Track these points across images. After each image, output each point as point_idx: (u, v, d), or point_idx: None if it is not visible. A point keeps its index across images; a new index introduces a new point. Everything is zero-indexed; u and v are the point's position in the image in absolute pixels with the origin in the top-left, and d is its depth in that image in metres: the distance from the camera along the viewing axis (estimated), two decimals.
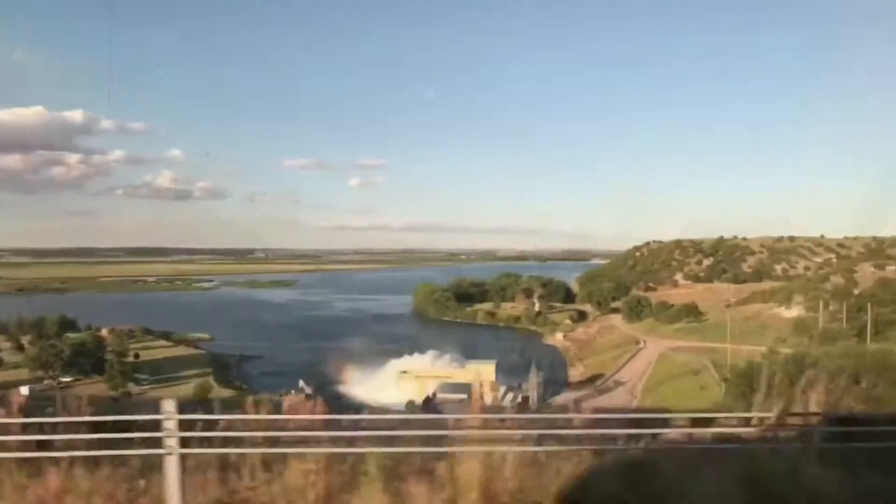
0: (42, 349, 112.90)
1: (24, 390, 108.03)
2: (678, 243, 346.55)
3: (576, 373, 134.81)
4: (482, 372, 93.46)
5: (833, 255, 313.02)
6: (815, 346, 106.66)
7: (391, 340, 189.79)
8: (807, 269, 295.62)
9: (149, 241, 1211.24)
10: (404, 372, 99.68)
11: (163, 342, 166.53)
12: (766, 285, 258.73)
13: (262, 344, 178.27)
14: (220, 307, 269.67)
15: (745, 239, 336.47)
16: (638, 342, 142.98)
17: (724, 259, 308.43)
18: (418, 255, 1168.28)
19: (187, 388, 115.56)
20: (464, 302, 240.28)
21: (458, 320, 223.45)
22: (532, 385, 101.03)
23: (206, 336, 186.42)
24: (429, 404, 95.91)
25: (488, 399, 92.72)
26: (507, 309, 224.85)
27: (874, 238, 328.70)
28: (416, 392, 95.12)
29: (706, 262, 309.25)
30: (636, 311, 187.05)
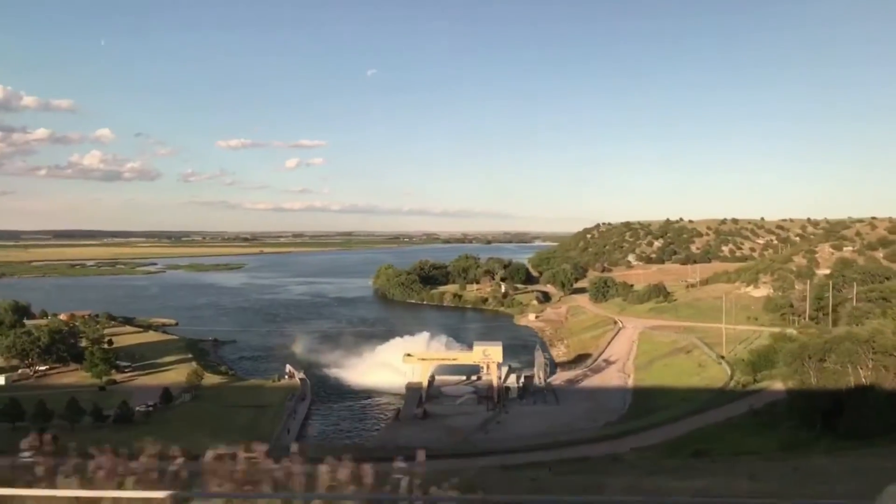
0: (17, 336, 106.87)
1: (1, 379, 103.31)
2: (627, 225, 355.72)
3: (558, 353, 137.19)
4: (490, 353, 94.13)
5: (773, 237, 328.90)
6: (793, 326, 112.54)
7: (361, 323, 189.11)
8: (752, 249, 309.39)
9: (76, 224, 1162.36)
10: (409, 354, 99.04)
11: (128, 328, 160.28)
12: (719, 265, 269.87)
13: (230, 329, 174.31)
14: (173, 291, 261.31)
15: (691, 221, 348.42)
16: (616, 322, 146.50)
17: (673, 241, 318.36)
18: (361, 238, 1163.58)
19: (175, 375, 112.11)
20: (427, 284, 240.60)
21: (425, 302, 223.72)
22: (539, 364, 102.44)
23: (171, 321, 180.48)
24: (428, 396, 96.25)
25: (494, 380, 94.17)
26: (473, 291, 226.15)
27: (808, 220, 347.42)
28: (421, 374, 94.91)
29: (657, 244, 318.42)
30: (602, 291, 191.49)
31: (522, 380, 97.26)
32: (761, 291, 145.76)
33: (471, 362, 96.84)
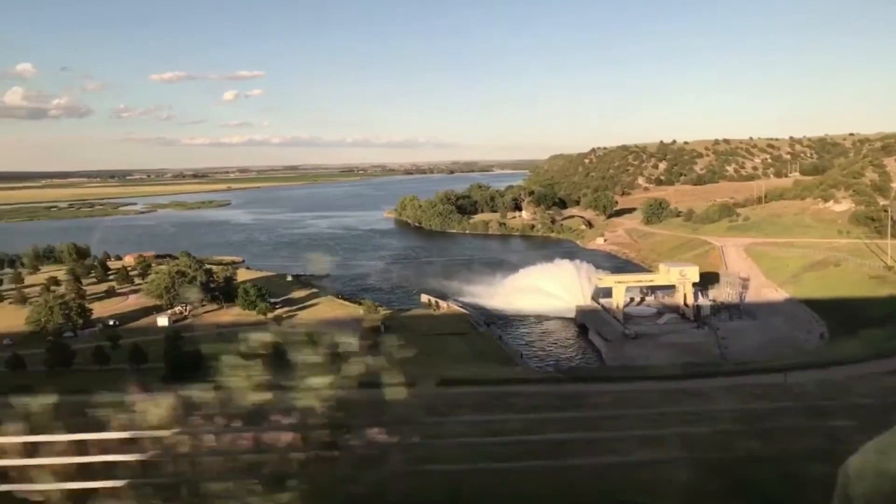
0: (172, 277, 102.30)
1: (163, 320, 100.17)
2: (625, 148, 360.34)
3: None
4: (686, 273, 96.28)
5: (768, 155, 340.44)
6: None
7: (424, 253, 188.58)
8: (754, 168, 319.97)
9: (1, 166, 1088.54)
10: (600, 278, 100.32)
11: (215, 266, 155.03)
12: (727, 185, 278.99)
13: (299, 263, 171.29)
14: (193, 230, 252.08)
15: (686, 143, 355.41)
16: (706, 242, 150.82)
17: (676, 162, 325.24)
18: (308, 171, 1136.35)
19: (326, 308, 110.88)
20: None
21: (467, 231, 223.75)
22: (728, 281, 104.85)
23: (238, 258, 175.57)
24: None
25: (689, 300, 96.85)
26: (517, 218, 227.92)
27: (791, 138, 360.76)
28: (615, 296, 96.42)
29: (662, 166, 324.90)
30: (656, 213, 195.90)
31: (713, 302, 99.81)
32: (842, 206, 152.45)
33: (667, 283, 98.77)
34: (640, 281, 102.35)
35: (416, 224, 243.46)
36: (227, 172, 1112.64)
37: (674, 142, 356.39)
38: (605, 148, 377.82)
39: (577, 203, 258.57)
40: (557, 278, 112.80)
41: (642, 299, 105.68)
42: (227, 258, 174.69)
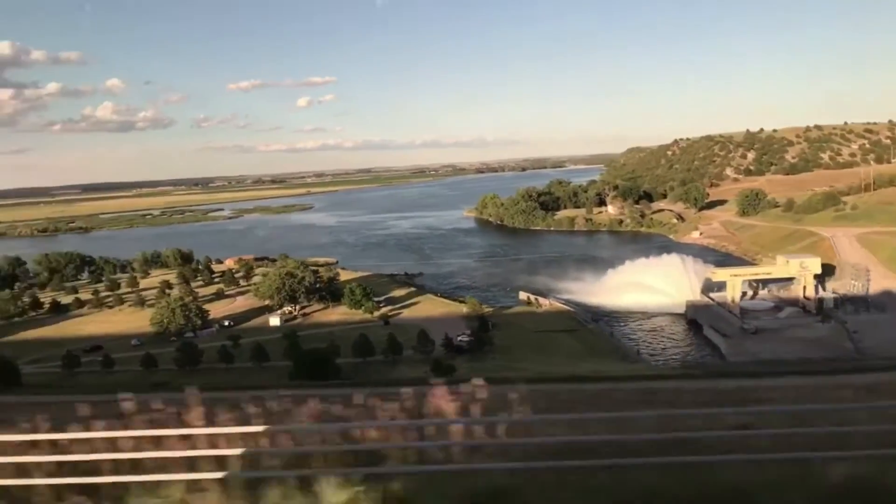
0: (282, 279, 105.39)
1: (275, 320, 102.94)
2: (710, 138, 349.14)
3: None
4: (807, 265, 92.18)
5: (865, 141, 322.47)
6: None
7: (509, 251, 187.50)
8: (852, 155, 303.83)
9: (98, 177, 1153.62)
10: (714, 272, 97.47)
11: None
12: (826, 173, 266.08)
13: (389, 263, 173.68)
14: (284, 233, 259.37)
15: (775, 131, 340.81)
16: (813, 233, 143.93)
17: (766, 151, 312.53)
18: (381, 173, 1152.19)
19: (430, 306, 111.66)
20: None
21: (552, 228, 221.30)
22: (855, 273, 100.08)
23: (332, 259, 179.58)
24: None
25: (811, 292, 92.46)
26: (603, 213, 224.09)
27: (890, 121, 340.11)
28: (731, 290, 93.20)
29: (750, 156, 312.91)
30: (753, 204, 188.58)
31: (832, 291, 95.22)
32: None
33: (786, 275, 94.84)
34: (756, 274, 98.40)
35: (499, 222, 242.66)
36: (304, 177, 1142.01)
37: (761, 130, 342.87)
38: (688, 139, 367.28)
39: (664, 196, 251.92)
40: (663, 273, 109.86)
41: (755, 293, 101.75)
42: (321, 260, 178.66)
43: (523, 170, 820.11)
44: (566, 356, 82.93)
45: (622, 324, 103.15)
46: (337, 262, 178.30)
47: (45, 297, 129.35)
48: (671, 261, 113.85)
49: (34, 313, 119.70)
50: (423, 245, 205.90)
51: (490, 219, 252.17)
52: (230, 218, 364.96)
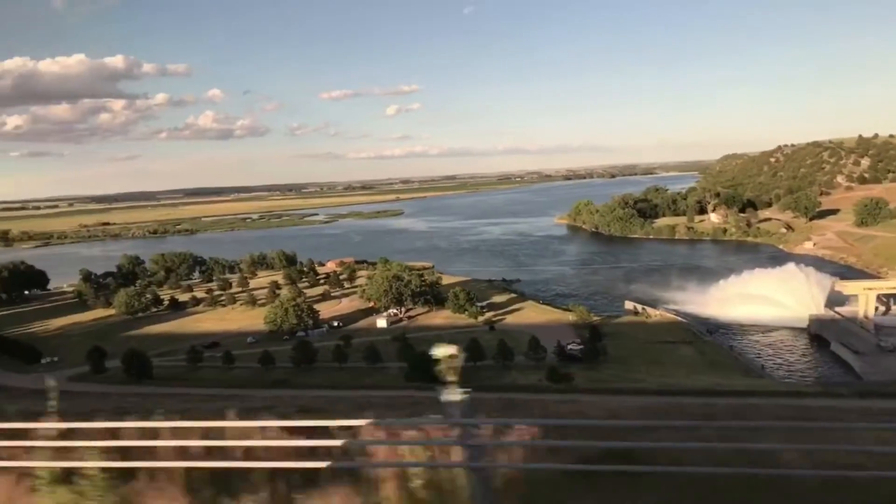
0: (389, 281, 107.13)
1: (382, 321, 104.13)
2: (817, 145, 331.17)
3: None
4: None
5: None
6: None
7: (609, 259, 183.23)
8: None
9: (199, 182, 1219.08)
10: (845, 285, 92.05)
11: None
12: None
13: (481, 268, 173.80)
14: (378, 238, 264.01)
15: (892, 136, 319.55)
16: None
17: (882, 158, 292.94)
18: (466, 180, 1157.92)
19: (533, 313, 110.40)
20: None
21: (651, 236, 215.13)
22: None
23: (428, 264, 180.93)
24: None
25: None
26: (705, 221, 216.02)
27: None
28: (864, 304, 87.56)
29: (864, 163, 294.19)
30: (873, 213, 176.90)
31: None
32: None
33: None
34: (893, 288, 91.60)
35: (593, 229, 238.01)
36: (391, 183, 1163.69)
37: (875, 136, 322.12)
38: (792, 145, 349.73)
39: (769, 205, 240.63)
40: (782, 285, 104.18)
41: (888, 308, 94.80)
42: (418, 264, 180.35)
43: (612, 176, 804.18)
44: (686, 368, 79.85)
45: (739, 337, 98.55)
46: (433, 267, 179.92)
47: (164, 295, 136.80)
48: (791, 271, 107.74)
49: (155, 309, 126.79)
50: (517, 251, 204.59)
51: (584, 226, 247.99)
52: (325, 223, 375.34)
